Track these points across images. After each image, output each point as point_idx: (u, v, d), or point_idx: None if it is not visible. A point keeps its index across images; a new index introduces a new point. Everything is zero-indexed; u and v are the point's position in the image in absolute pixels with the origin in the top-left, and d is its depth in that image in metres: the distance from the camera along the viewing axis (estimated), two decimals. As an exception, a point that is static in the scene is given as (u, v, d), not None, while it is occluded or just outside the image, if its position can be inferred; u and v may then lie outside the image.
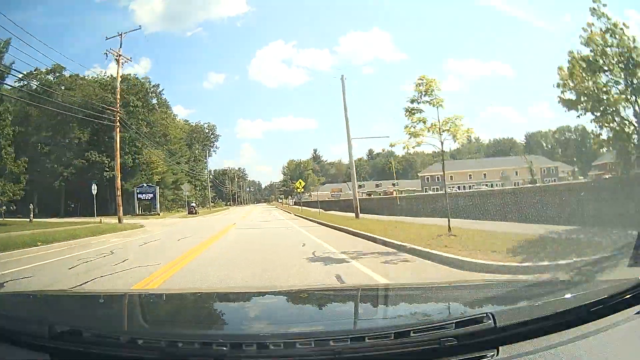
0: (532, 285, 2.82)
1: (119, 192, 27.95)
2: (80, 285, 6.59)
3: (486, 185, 58.66)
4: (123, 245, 13.67)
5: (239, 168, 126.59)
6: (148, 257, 9.94)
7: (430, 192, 47.87)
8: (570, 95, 9.71)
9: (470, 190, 33.61)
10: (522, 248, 7.29)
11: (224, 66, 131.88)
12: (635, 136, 9.30)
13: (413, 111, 9.80)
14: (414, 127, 9.77)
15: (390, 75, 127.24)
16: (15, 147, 33.42)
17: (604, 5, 9.30)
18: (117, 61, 27.81)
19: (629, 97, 9.13)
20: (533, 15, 77.07)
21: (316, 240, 12.55)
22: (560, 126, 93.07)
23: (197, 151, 73.44)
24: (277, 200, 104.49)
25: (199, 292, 3.44)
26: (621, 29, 9.11)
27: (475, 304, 1.89)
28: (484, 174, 77.45)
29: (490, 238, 8.63)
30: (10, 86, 33.19)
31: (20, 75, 33.12)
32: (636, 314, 1.54)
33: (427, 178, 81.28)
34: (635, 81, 9.05)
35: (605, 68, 9.14)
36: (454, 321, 1.39)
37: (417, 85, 9.85)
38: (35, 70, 38.65)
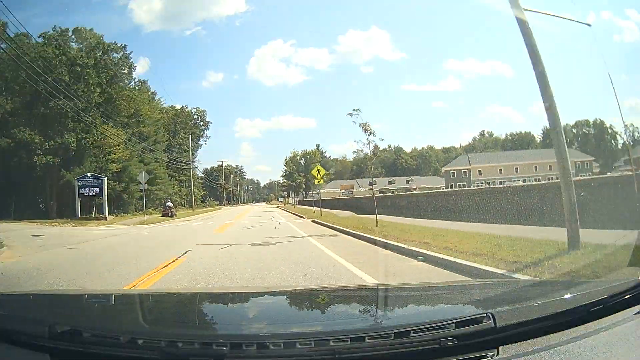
0: (532, 285, 2.82)
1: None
2: None
3: (523, 180, 51.37)
4: None
5: (237, 166, 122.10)
6: None
7: (473, 188, 37.80)
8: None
9: (527, 184, 29.98)
10: None
11: (223, 65, 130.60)
12: None
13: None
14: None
15: (390, 74, 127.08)
16: None
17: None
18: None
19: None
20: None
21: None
22: (578, 120, 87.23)
23: (182, 140, 60.28)
24: (278, 200, 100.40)
25: (199, 292, 3.44)
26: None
27: (475, 304, 1.90)
28: (516, 168, 68.74)
29: None
30: None
31: None
32: (636, 314, 1.54)
33: (453, 173, 73.61)
34: None
35: None
36: (454, 321, 1.39)
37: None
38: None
